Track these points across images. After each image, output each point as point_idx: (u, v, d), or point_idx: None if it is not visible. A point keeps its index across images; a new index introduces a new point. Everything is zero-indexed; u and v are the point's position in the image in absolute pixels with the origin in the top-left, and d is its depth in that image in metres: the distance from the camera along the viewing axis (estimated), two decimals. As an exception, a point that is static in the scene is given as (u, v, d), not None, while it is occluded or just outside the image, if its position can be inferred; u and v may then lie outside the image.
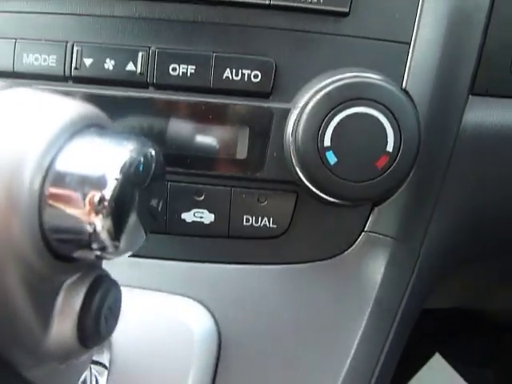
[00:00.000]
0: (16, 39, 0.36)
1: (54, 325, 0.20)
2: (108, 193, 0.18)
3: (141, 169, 0.21)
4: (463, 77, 0.38)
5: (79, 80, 0.36)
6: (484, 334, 1.20)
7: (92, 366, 0.33)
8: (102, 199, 0.18)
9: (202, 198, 0.37)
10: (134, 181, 0.20)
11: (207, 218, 0.37)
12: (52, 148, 0.18)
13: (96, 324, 0.22)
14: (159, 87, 0.35)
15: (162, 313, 0.36)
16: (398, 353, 0.41)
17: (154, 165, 0.22)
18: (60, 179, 0.18)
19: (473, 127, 0.39)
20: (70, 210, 0.18)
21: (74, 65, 0.36)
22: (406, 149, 0.33)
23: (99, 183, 0.18)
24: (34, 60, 0.36)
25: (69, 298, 0.21)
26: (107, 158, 0.19)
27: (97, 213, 0.18)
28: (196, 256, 0.38)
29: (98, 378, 0.33)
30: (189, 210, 0.37)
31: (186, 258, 0.39)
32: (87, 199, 0.18)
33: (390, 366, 0.40)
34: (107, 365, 0.33)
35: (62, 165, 0.18)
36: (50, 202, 0.18)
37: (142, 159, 0.21)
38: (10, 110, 0.18)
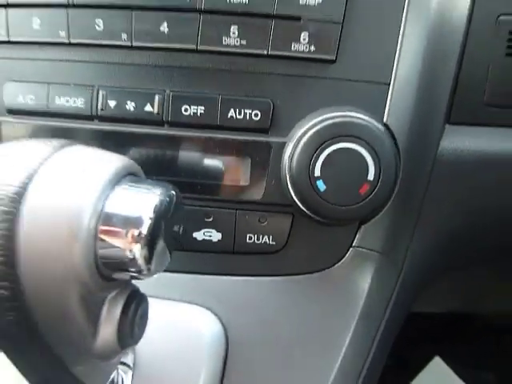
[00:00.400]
0: (49, 83, 0.43)
1: (100, 330, 0.26)
2: (144, 229, 0.24)
3: (167, 207, 0.27)
4: (439, 109, 0.44)
5: (104, 119, 0.42)
6: (483, 337, 1.24)
7: (119, 365, 0.38)
8: (140, 234, 0.24)
9: (211, 219, 0.43)
10: (162, 216, 0.26)
11: (215, 236, 0.44)
12: (102, 196, 0.24)
13: (131, 329, 0.28)
14: (173, 125, 0.42)
15: (177, 319, 0.42)
16: (384, 355, 0.47)
17: (175, 200, 0.28)
18: (109, 219, 0.24)
19: (449, 154, 0.45)
20: (116, 243, 0.24)
21: (99, 106, 0.42)
22: (385, 178, 0.38)
23: (138, 222, 0.24)
24: (65, 102, 0.42)
25: (111, 309, 0.27)
26: (142, 201, 0.25)
27: (136, 244, 0.24)
28: (206, 269, 0.45)
29: (123, 376, 0.39)
30: (199, 229, 0.43)
31: (197, 271, 0.45)
32: (129, 234, 0.24)
33: (377, 366, 0.46)
34: (131, 365, 0.39)
35: (110, 208, 0.24)
36: (102, 236, 0.24)
37: (167, 199, 0.27)
38: (71, 166, 0.24)
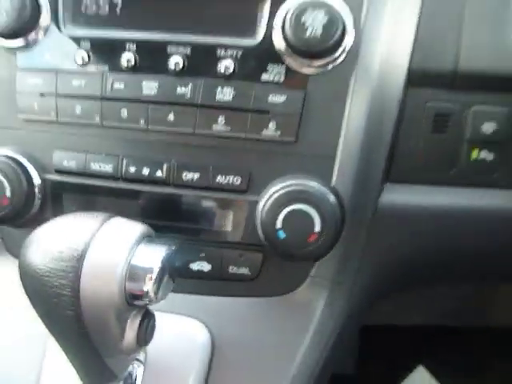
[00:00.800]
0: (86, 152, 0.59)
1: (125, 335, 0.42)
2: (154, 275, 0.40)
3: (170, 258, 0.42)
4: (377, 173, 0.59)
5: (126, 180, 0.58)
6: (467, 347, 1.35)
7: (134, 361, 0.54)
8: (151, 278, 0.40)
9: (203, 254, 0.59)
10: (166, 265, 0.42)
11: (206, 267, 0.59)
12: (130, 254, 0.40)
13: (145, 335, 0.43)
14: (176, 186, 0.58)
15: (176, 328, 0.58)
16: (332, 363, 0.62)
17: (174, 250, 0.44)
18: (133, 268, 0.40)
19: (387, 206, 0.60)
20: (136, 283, 0.40)
21: (123, 171, 0.58)
22: (328, 230, 0.54)
23: (150, 270, 0.40)
24: (98, 166, 0.59)
25: (132, 323, 0.43)
26: (154, 256, 0.41)
27: (148, 285, 0.40)
28: (199, 291, 0.61)
29: (137, 368, 0.55)
30: (194, 262, 0.59)
31: (192, 292, 0.61)
32: (145, 278, 0.40)
33: (326, 372, 0.60)
34: (143, 361, 0.55)
35: (134, 261, 0.40)
36: (128, 279, 0.40)
37: (170, 253, 0.42)
38: (112, 234, 0.40)
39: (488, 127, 0.58)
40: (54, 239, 0.39)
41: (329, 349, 0.60)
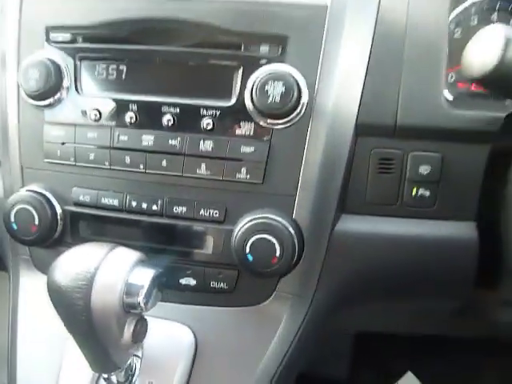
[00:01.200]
0: (98, 190, 0.75)
1: (124, 335, 0.57)
2: (144, 290, 0.55)
3: (157, 277, 0.57)
4: (332, 205, 0.72)
5: (129, 212, 0.74)
6: (456, 356, 1.44)
7: (133, 356, 0.70)
8: (143, 291, 0.55)
9: (190, 272, 0.74)
10: (154, 283, 0.57)
11: (192, 282, 0.75)
12: (127, 275, 0.55)
13: (139, 335, 0.59)
14: (169, 217, 0.73)
15: (166, 331, 0.73)
16: (295, 367, 0.75)
17: (161, 271, 0.59)
18: (129, 286, 0.55)
19: (342, 234, 0.74)
20: (132, 296, 0.55)
21: (127, 205, 0.74)
22: (286, 255, 0.68)
23: (142, 287, 0.55)
24: (107, 201, 0.74)
25: (129, 325, 0.58)
26: (145, 276, 0.56)
27: (139, 298, 0.55)
28: (186, 301, 0.76)
29: (136, 362, 0.70)
30: (183, 278, 0.75)
31: (180, 301, 0.76)
32: (138, 293, 0.55)
33: (288, 374, 0.74)
34: (140, 356, 0.70)
35: (130, 280, 0.55)
36: (126, 293, 0.55)
37: (157, 273, 0.57)
38: (115, 260, 0.55)
39: (424, 169, 0.72)
40: (72, 264, 0.55)
41: (291, 352, 0.74)
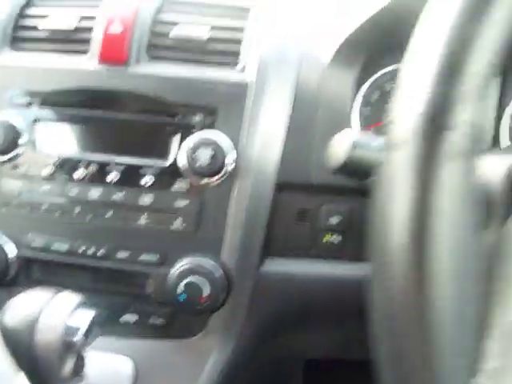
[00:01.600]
0: (50, 235, 0.84)
1: (64, 369, 0.67)
2: (83, 330, 0.65)
3: (96, 319, 0.67)
4: (256, 249, 0.84)
5: (78, 256, 0.84)
6: None
7: (77, 386, 0.78)
8: (82, 332, 0.65)
9: (131, 309, 0.84)
10: (93, 323, 0.67)
11: (133, 319, 0.85)
12: (68, 317, 0.65)
13: (78, 369, 0.68)
14: (113, 261, 0.83)
15: (106, 362, 0.82)
16: None
17: (99, 314, 0.69)
18: (68, 328, 0.65)
19: (266, 275, 0.85)
20: (72, 335, 0.65)
21: (76, 250, 0.83)
22: (214, 294, 0.79)
23: (80, 328, 0.65)
24: (57, 247, 0.84)
25: (69, 361, 0.67)
26: (83, 318, 0.66)
27: (78, 337, 0.65)
28: (126, 335, 0.85)
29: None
30: (124, 315, 0.84)
31: (121, 335, 0.85)
32: (78, 332, 0.65)
33: None
34: (83, 386, 0.79)
35: (70, 322, 0.65)
36: (65, 334, 0.64)
37: (95, 316, 0.67)
38: (59, 303, 0.65)
39: (334, 220, 0.85)
40: (19, 307, 0.64)
41: (222, 382, 0.85)
